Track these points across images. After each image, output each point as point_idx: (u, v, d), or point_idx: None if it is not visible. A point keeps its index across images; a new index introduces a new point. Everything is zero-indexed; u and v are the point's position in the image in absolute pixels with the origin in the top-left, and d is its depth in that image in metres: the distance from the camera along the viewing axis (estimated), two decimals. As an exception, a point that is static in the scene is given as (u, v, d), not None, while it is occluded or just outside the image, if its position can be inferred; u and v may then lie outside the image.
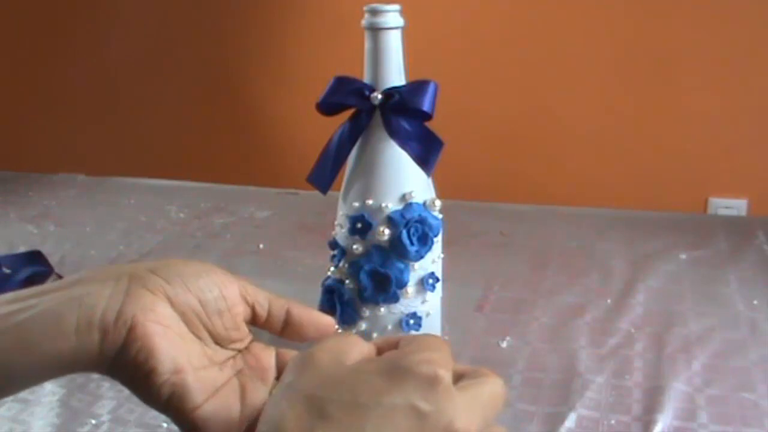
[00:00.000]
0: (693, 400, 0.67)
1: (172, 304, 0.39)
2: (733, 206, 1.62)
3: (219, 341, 0.41)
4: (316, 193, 0.69)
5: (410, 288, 0.66)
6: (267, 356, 0.43)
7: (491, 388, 0.34)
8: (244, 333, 0.42)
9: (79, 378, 0.73)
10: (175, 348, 0.38)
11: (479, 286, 0.91)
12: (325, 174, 0.68)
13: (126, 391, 0.71)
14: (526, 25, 1.65)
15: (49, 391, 0.71)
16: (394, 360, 0.34)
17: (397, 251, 0.65)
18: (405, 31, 0.65)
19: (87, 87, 2.00)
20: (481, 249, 1.03)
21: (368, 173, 0.66)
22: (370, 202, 0.65)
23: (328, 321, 0.43)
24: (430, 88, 0.65)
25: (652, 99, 1.61)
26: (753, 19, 1.52)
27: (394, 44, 0.65)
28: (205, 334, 0.40)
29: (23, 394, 0.70)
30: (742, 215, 1.60)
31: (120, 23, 1.94)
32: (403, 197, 0.65)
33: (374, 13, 0.64)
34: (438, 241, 0.67)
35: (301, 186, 0.88)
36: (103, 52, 1.96)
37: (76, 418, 0.67)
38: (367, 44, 0.65)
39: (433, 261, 0.68)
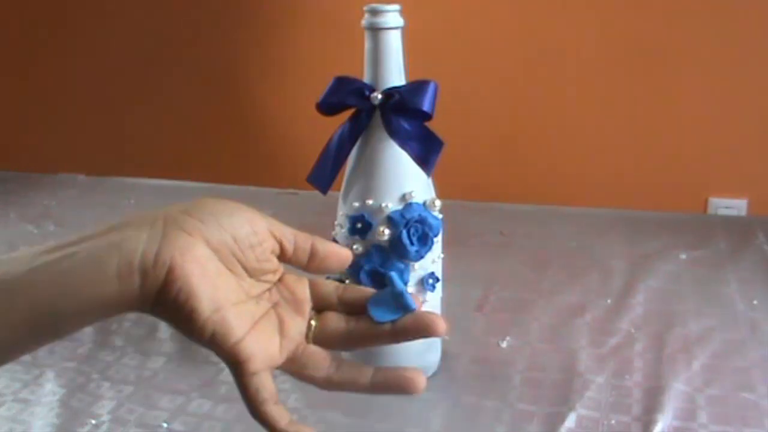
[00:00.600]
0: (693, 400, 0.67)
1: (208, 242, 0.40)
2: (733, 206, 1.62)
3: (253, 274, 0.42)
4: (316, 193, 0.69)
5: (410, 288, 0.66)
6: (301, 288, 0.44)
7: None
8: (276, 265, 0.43)
9: (79, 378, 0.73)
10: (213, 286, 0.39)
11: (479, 286, 0.91)
12: (325, 174, 0.68)
13: (126, 391, 0.71)
14: (527, 25, 1.64)
15: (49, 391, 0.71)
16: None
17: (397, 251, 0.65)
18: (405, 31, 0.65)
19: (87, 87, 2.00)
20: (481, 249, 1.03)
21: (368, 173, 0.66)
22: (370, 202, 0.65)
23: (347, 253, 0.45)
24: (430, 88, 0.65)
25: (652, 99, 1.61)
26: (753, 19, 1.52)
27: (394, 44, 0.65)
28: (239, 269, 0.41)
29: (23, 394, 0.71)
30: (742, 215, 1.60)
31: (120, 23, 1.94)
32: (403, 197, 0.65)
33: (374, 13, 0.64)
34: (438, 241, 0.67)
35: (301, 186, 0.88)
36: (103, 52, 1.96)
37: (76, 418, 0.67)
38: (367, 44, 0.65)
39: (433, 261, 0.68)
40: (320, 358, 0.42)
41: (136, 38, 1.93)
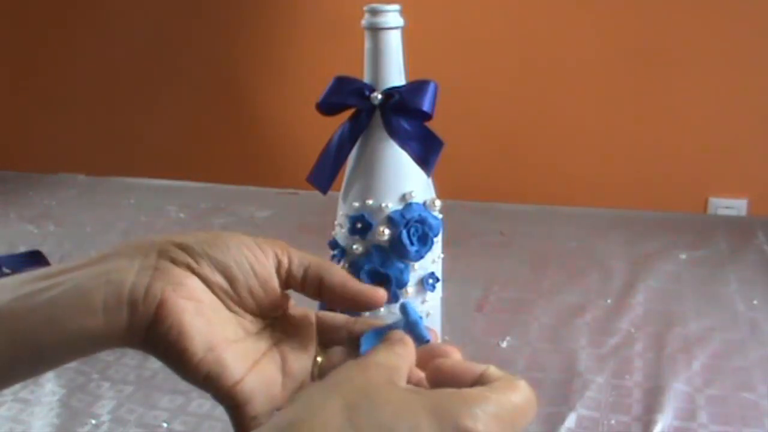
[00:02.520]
0: (693, 400, 0.67)
1: (204, 277, 0.37)
2: (733, 206, 1.62)
3: (253, 312, 0.39)
4: (316, 193, 0.69)
5: (410, 288, 0.66)
6: (307, 324, 0.41)
7: (522, 405, 0.32)
8: (279, 301, 0.40)
9: (79, 378, 0.73)
10: (207, 324, 0.36)
11: (479, 286, 0.91)
12: (325, 174, 0.68)
13: (126, 391, 0.71)
14: (527, 25, 1.64)
15: (49, 391, 0.71)
16: (444, 402, 0.31)
17: (397, 251, 0.65)
18: (405, 31, 0.65)
19: (87, 87, 2.00)
20: (481, 249, 1.03)
21: (368, 173, 0.66)
22: (370, 202, 0.65)
23: (369, 295, 0.40)
24: (430, 88, 0.65)
25: (652, 99, 1.61)
26: (753, 20, 1.52)
27: (394, 44, 0.65)
28: (241, 297, 0.38)
29: (23, 394, 0.71)
30: (742, 215, 1.60)
31: (120, 23, 1.94)
32: (403, 197, 0.65)
33: (374, 13, 0.64)
34: (438, 241, 0.67)
35: (301, 186, 0.88)
36: (104, 52, 1.96)
37: (76, 418, 0.67)
38: (367, 44, 0.65)
39: (433, 261, 0.68)
40: None
41: (136, 39, 1.93)
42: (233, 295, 0.38)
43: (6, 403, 0.69)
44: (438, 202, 0.67)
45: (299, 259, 0.40)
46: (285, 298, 0.41)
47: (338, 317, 0.42)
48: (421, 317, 0.40)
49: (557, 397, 0.68)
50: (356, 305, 0.40)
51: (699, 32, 1.55)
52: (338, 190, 0.69)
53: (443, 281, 0.70)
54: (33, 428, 0.65)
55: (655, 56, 1.59)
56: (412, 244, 0.64)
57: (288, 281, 0.40)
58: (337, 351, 0.41)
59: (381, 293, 0.40)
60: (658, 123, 1.62)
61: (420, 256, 0.65)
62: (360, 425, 0.30)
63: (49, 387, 0.71)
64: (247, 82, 1.89)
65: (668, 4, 1.55)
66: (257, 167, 1.87)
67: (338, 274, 0.40)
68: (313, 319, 0.42)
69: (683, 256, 0.99)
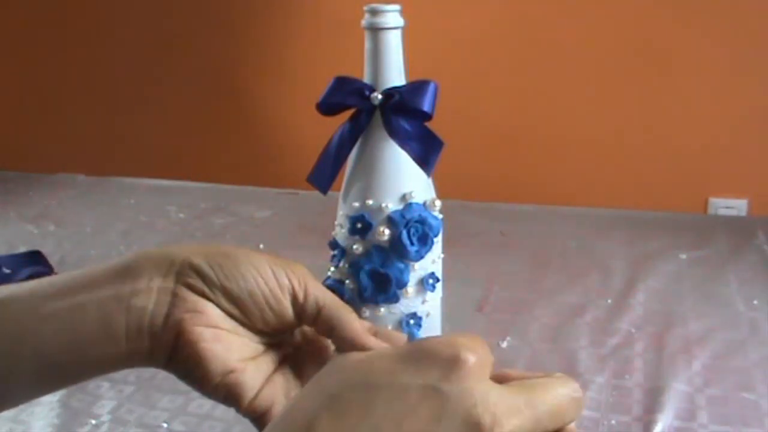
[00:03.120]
0: (693, 400, 0.67)
1: (220, 303, 0.38)
2: (733, 206, 1.62)
3: (270, 328, 0.40)
4: (316, 193, 0.69)
5: (410, 288, 0.66)
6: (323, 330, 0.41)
7: (556, 391, 0.31)
8: (294, 325, 0.41)
9: (79, 378, 0.73)
10: (225, 349, 0.38)
11: (479, 286, 0.91)
12: (325, 174, 0.68)
13: (126, 391, 0.71)
14: (527, 25, 1.64)
15: (49, 391, 0.71)
16: (415, 344, 0.32)
17: (397, 251, 0.65)
18: (405, 31, 0.65)
19: (87, 87, 2.00)
20: (481, 249, 1.03)
21: (368, 173, 0.66)
22: (370, 202, 0.65)
23: (366, 343, 0.39)
24: (430, 88, 0.65)
25: (652, 99, 1.61)
26: (753, 19, 1.52)
27: (394, 44, 0.65)
28: (256, 322, 0.39)
29: (23, 394, 0.70)
30: (742, 215, 1.60)
31: (120, 23, 1.94)
32: (403, 197, 0.65)
33: (374, 13, 0.64)
34: (438, 241, 0.67)
35: (301, 186, 0.88)
36: (103, 52, 1.96)
37: (76, 418, 0.67)
38: (367, 44, 0.65)
39: (433, 261, 0.68)
40: None
41: (136, 38, 1.93)
42: (252, 309, 0.39)
43: (6, 403, 0.69)
44: (438, 202, 0.67)
45: (315, 297, 0.40)
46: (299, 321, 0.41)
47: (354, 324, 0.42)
48: None
49: (557, 397, 0.68)
50: None
51: (699, 32, 1.55)
52: (338, 190, 0.69)
53: (443, 281, 0.70)
54: (33, 428, 0.65)
55: (655, 56, 1.59)
56: (412, 244, 0.64)
57: (301, 316, 0.40)
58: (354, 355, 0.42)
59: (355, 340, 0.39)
60: (658, 123, 1.62)
61: (420, 256, 0.65)
62: (338, 394, 0.30)
63: (49, 387, 0.71)
64: (247, 82, 1.89)
65: (668, 5, 1.55)
66: (257, 167, 1.87)
67: (350, 329, 0.39)
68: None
69: (683, 256, 0.99)
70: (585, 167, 1.69)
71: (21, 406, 0.68)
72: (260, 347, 0.40)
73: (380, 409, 0.29)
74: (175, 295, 0.37)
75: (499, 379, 0.32)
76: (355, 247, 0.65)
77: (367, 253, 0.65)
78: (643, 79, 1.60)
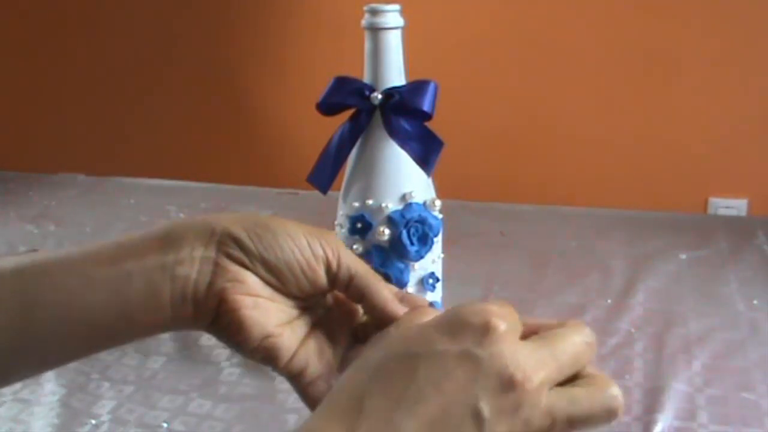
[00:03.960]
0: (693, 400, 0.67)
1: (258, 271, 0.40)
2: (733, 206, 1.62)
3: (304, 294, 0.42)
4: (316, 193, 0.69)
5: (410, 288, 0.66)
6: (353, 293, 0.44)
7: (572, 340, 0.35)
8: (327, 290, 0.43)
9: (79, 378, 0.73)
10: (263, 314, 0.40)
11: (479, 286, 0.91)
12: (325, 174, 0.68)
13: (126, 391, 0.71)
14: (527, 24, 1.64)
15: (49, 391, 0.71)
16: (449, 313, 0.34)
17: (397, 251, 0.65)
18: (405, 31, 0.65)
19: (87, 87, 2.00)
20: (481, 249, 1.03)
21: (368, 173, 0.66)
22: (370, 202, 0.65)
23: (398, 311, 0.42)
24: (430, 88, 0.65)
25: (652, 99, 1.61)
26: (753, 19, 1.52)
27: (394, 44, 0.65)
28: (291, 289, 0.41)
29: (23, 394, 0.70)
30: (742, 215, 1.60)
31: (120, 23, 1.94)
32: (403, 197, 0.65)
33: (374, 13, 0.64)
34: (438, 241, 0.67)
35: (301, 186, 0.88)
36: (103, 52, 1.96)
37: (76, 418, 0.67)
38: (367, 44, 0.65)
39: (433, 261, 0.68)
40: None
41: (136, 38, 1.93)
42: (289, 275, 0.41)
43: (6, 403, 0.69)
44: (438, 202, 0.67)
45: (347, 266, 0.42)
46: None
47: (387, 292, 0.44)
48: None
49: (557, 397, 0.68)
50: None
51: (699, 32, 1.55)
52: (338, 190, 0.69)
53: (443, 281, 0.70)
54: (33, 428, 0.65)
55: (655, 56, 1.59)
56: (412, 244, 0.64)
57: (334, 283, 0.42)
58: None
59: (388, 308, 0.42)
60: (658, 123, 1.62)
61: (420, 256, 0.65)
62: (383, 366, 0.33)
63: (49, 387, 0.71)
64: (247, 83, 1.89)
65: (668, 5, 1.55)
66: (257, 167, 1.87)
67: (379, 297, 0.42)
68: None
69: (683, 256, 0.99)
70: (585, 167, 1.69)
71: (21, 406, 0.68)
72: (295, 311, 0.42)
73: (421, 374, 0.32)
74: (216, 264, 0.39)
75: (524, 332, 0.36)
76: (355, 247, 0.65)
77: (367, 253, 0.65)
78: (644, 79, 1.61)
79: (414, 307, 0.41)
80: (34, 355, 0.40)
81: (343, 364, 0.43)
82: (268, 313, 0.40)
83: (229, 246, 0.40)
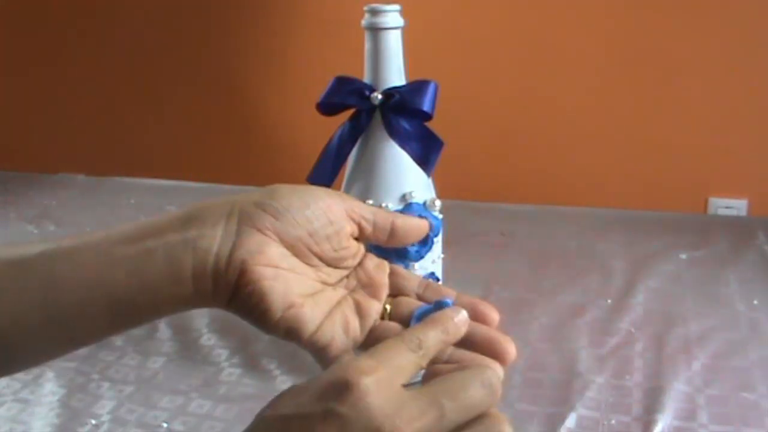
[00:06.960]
0: (693, 400, 0.67)
1: (282, 240, 0.40)
2: (733, 206, 1.62)
3: (330, 263, 0.42)
4: (316, 193, 0.69)
5: (410, 288, 0.66)
6: (380, 273, 0.44)
7: (466, 385, 0.34)
8: (355, 250, 0.43)
9: (79, 378, 0.73)
10: (285, 285, 0.40)
11: (479, 286, 0.91)
12: (325, 174, 0.68)
13: (126, 391, 0.71)
14: (527, 25, 1.64)
15: (49, 391, 0.71)
16: (322, 374, 0.35)
17: (397, 251, 0.64)
18: (405, 31, 0.65)
19: (87, 87, 2.00)
20: (481, 249, 1.03)
21: (368, 173, 0.66)
22: (370, 202, 0.65)
23: (424, 224, 0.46)
24: (430, 88, 0.65)
25: (652, 99, 1.61)
26: (753, 20, 1.52)
27: (394, 44, 0.65)
28: (316, 261, 0.41)
29: (23, 394, 0.71)
30: (742, 215, 1.60)
31: (120, 23, 1.94)
32: (403, 197, 0.65)
33: (374, 13, 0.64)
34: (438, 241, 0.67)
35: (301, 186, 0.87)
36: (104, 52, 1.96)
37: (76, 418, 0.67)
38: (367, 44, 0.65)
39: (433, 261, 0.68)
40: (396, 332, 0.42)
41: (136, 38, 1.93)
42: (314, 246, 0.41)
43: (6, 403, 0.69)
44: (438, 202, 0.67)
45: (366, 218, 0.43)
46: (359, 251, 0.44)
47: (413, 280, 0.45)
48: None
49: (557, 397, 0.68)
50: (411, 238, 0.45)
51: (699, 32, 1.55)
52: (338, 190, 0.69)
53: (443, 281, 0.70)
54: (33, 428, 0.65)
55: (655, 56, 1.59)
56: (412, 244, 0.64)
57: (361, 235, 0.43)
58: (404, 300, 0.44)
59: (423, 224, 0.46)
60: (658, 123, 1.62)
61: (420, 256, 0.65)
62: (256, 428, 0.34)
63: (49, 387, 0.71)
64: (247, 82, 1.89)
65: (668, 5, 1.55)
66: (257, 167, 1.87)
67: (404, 222, 0.44)
68: (387, 272, 0.44)
69: (683, 256, 0.99)
70: (585, 167, 1.68)
71: (21, 406, 0.68)
72: (318, 285, 0.42)
73: None
74: (238, 235, 0.39)
75: (425, 375, 0.36)
76: (355, 247, 0.65)
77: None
78: (643, 79, 1.60)
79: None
80: (62, 335, 0.40)
81: (368, 340, 0.42)
82: (290, 283, 0.40)
83: (253, 214, 0.40)
